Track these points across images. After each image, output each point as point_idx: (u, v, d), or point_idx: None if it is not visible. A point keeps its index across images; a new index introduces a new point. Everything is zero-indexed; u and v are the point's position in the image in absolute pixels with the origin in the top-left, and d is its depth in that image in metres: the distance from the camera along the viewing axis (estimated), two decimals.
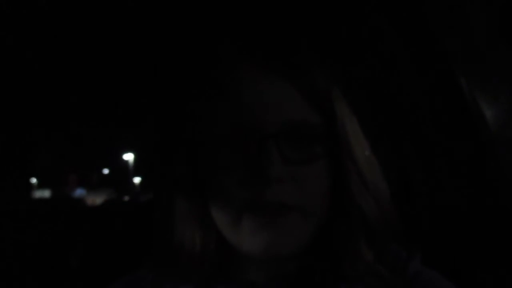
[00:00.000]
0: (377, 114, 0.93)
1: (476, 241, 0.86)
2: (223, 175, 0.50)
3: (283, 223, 0.48)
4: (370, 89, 0.96)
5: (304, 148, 0.50)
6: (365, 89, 0.96)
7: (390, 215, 0.53)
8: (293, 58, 0.53)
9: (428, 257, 0.56)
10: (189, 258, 0.54)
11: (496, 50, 0.88)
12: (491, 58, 0.89)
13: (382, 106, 0.96)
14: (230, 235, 0.52)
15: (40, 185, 17.03)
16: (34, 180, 17.55)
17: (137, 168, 18.75)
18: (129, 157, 18.61)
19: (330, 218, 0.54)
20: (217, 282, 0.55)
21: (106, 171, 22.03)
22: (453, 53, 0.88)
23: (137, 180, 19.84)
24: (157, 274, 0.57)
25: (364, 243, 0.52)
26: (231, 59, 0.52)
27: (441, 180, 0.92)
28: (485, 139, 0.85)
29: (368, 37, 0.95)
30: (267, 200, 0.48)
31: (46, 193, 14.89)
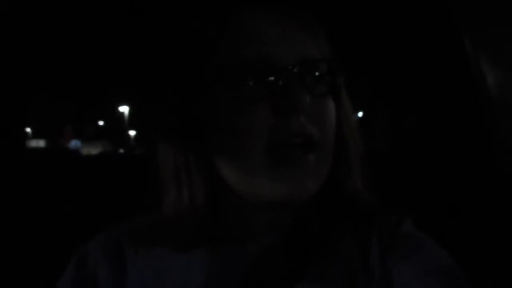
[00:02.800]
0: (379, 71, 0.92)
1: (473, 205, 0.87)
2: (243, 112, 0.46)
3: (310, 161, 0.45)
4: (373, 47, 0.94)
5: (319, 84, 0.49)
6: (368, 46, 0.94)
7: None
8: (310, 10, 0.53)
9: (423, 223, 0.56)
10: (181, 213, 0.51)
11: (502, 11, 0.86)
12: (496, 20, 0.86)
13: (384, 64, 0.94)
14: (246, 183, 0.47)
15: (35, 135, 17.01)
16: (28, 130, 17.53)
17: (132, 120, 18.71)
18: (124, 109, 18.53)
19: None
20: (201, 243, 0.51)
21: (101, 123, 21.98)
22: (458, 13, 0.86)
23: (132, 133, 19.86)
24: (145, 229, 0.56)
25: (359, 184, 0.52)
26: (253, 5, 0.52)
27: (439, 141, 0.92)
28: (485, 102, 0.84)
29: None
30: (296, 132, 0.44)
31: (41, 143, 14.90)
